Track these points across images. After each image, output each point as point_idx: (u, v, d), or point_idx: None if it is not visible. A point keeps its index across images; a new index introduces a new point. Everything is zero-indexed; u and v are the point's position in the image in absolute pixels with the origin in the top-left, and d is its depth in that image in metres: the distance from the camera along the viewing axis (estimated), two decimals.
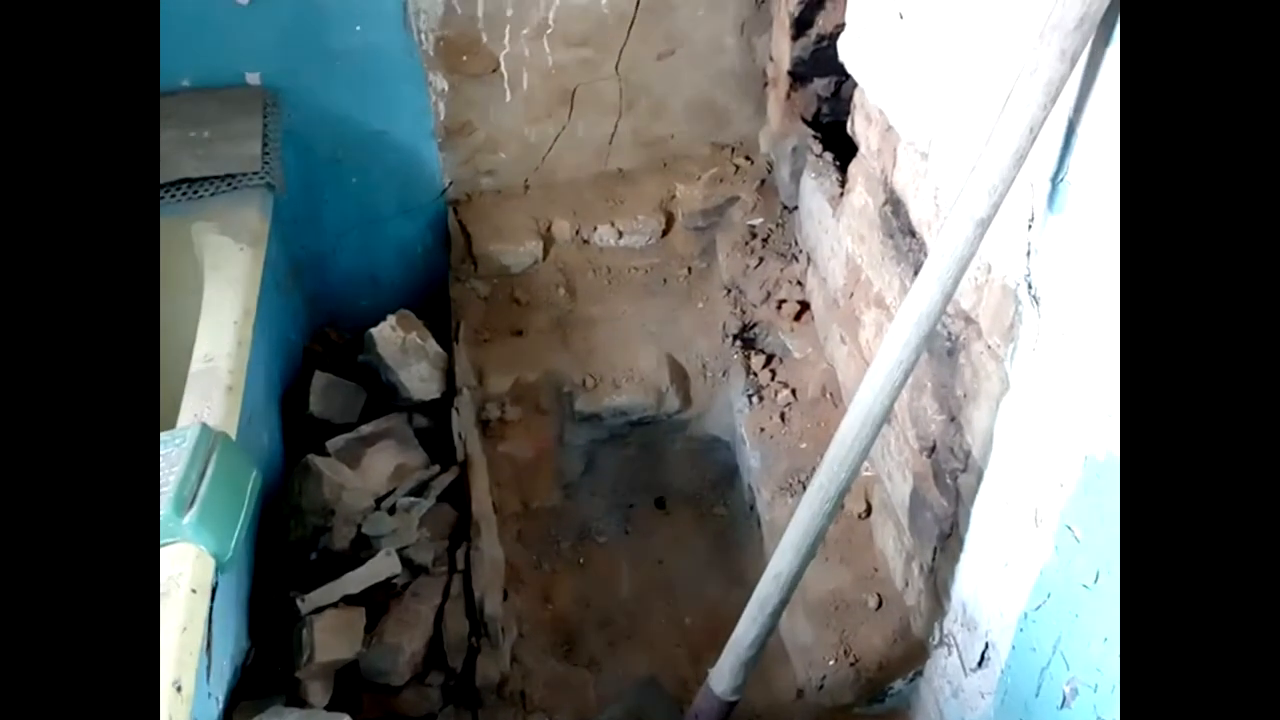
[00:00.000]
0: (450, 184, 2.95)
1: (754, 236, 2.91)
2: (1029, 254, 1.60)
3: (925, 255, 1.54)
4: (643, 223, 2.98)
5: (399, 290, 2.94)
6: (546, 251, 2.93)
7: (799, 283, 2.79)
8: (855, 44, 2.31)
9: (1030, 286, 1.60)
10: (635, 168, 3.09)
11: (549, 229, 2.95)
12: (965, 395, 1.87)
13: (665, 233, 2.99)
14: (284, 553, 2.06)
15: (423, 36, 2.65)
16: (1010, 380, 1.69)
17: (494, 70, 2.83)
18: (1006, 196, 1.47)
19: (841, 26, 2.39)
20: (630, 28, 2.86)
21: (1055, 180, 1.50)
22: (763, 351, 2.71)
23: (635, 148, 3.08)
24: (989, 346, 1.76)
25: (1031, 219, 1.58)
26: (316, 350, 2.73)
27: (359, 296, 2.89)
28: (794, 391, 2.58)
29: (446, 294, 2.85)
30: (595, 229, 2.96)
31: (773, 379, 2.61)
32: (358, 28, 2.58)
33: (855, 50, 2.32)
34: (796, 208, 2.85)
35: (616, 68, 2.92)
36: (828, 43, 2.73)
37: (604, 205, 3.01)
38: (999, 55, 1.64)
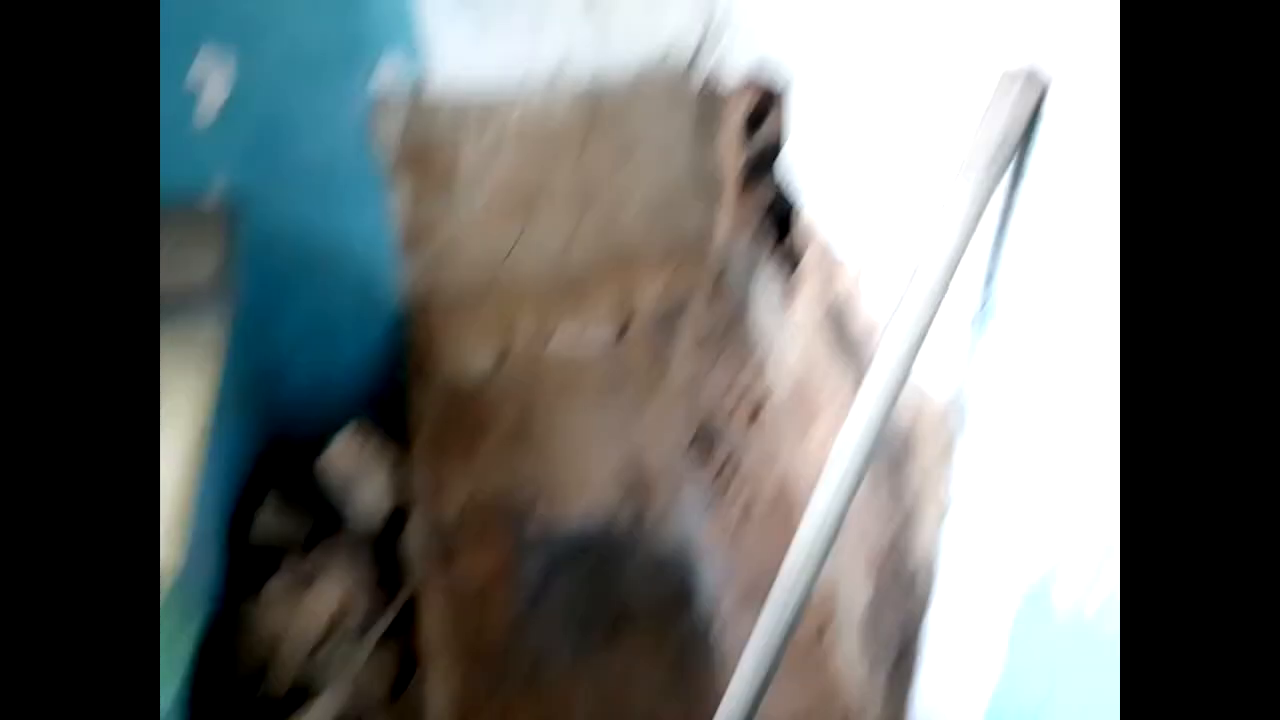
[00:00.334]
0: (409, 291, 2.97)
1: (710, 336, 2.94)
2: (961, 375, 1.62)
3: (867, 368, 1.56)
4: (601, 324, 3.00)
5: (357, 400, 2.93)
6: (505, 357, 2.95)
7: (755, 382, 2.81)
8: (794, 157, 2.37)
9: (963, 408, 1.62)
10: (593, 269, 3.13)
11: (508, 333, 2.97)
12: (911, 512, 1.87)
13: (623, 333, 3.02)
14: (222, 698, 2.00)
15: (385, 147, 2.69)
16: (950, 499, 1.70)
17: (455, 177, 2.87)
18: (934, 323, 1.49)
19: None
20: (589, 133, 2.93)
21: (982, 305, 1.53)
22: (720, 454, 2.71)
23: (593, 249, 3.12)
24: (928, 465, 1.77)
25: (962, 341, 1.60)
26: (268, 465, 2.71)
27: (316, 406, 2.88)
28: (752, 495, 2.57)
29: (404, 403, 2.84)
30: (554, 332, 2.98)
31: (729, 484, 2.61)
32: (320, 141, 2.62)
33: (794, 163, 2.38)
34: (750, 308, 2.89)
35: (575, 171, 2.98)
36: (777, 145, 2.79)
37: (562, 307, 3.04)
38: (920, 186, 1.68)
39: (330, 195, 2.73)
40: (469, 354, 2.90)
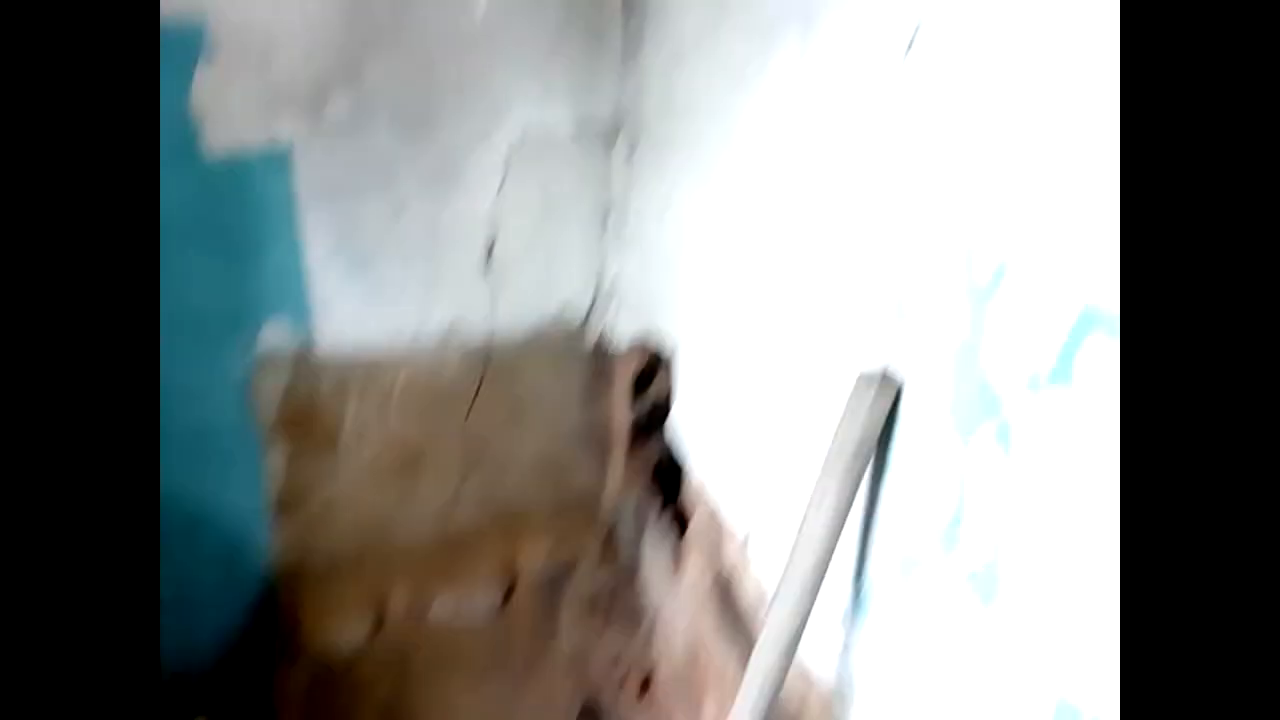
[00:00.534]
0: (280, 558, 2.81)
1: (598, 602, 2.84)
2: (842, 664, 1.57)
3: (755, 642, 1.51)
4: (483, 589, 2.88)
5: (215, 681, 2.69)
6: (380, 628, 2.78)
7: (645, 650, 2.69)
8: (682, 421, 2.40)
9: (847, 687, 1.57)
10: (477, 530, 3.04)
11: (384, 602, 2.81)
12: None
13: (507, 599, 2.89)
14: None
15: (265, 409, 2.63)
16: None
17: (337, 439, 2.80)
18: (812, 610, 1.46)
19: None
20: (476, 394, 2.92)
21: (858, 595, 1.50)
22: None
23: (478, 509, 3.04)
24: None
25: (841, 629, 1.57)
26: None
27: (174, 689, 2.62)
28: None
29: (268, 684, 2.61)
30: (433, 599, 2.84)
31: None
32: (196, 403, 2.54)
33: (682, 428, 2.40)
34: (640, 570, 2.81)
35: (461, 431, 2.94)
36: (666, 406, 2.83)
37: (443, 572, 2.91)
38: (796, 465, 1.70)
39: (201, 458, 2.61)
40: (341, 625, 2.72)
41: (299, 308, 2.59)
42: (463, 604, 2.83)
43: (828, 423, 1.56)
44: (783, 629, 1.46)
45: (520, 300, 2.89)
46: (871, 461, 1.37)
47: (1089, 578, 1.00)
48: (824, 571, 1.43)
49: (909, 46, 1.26)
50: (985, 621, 1.18)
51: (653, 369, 2.88)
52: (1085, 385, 0.98)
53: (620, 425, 2.96)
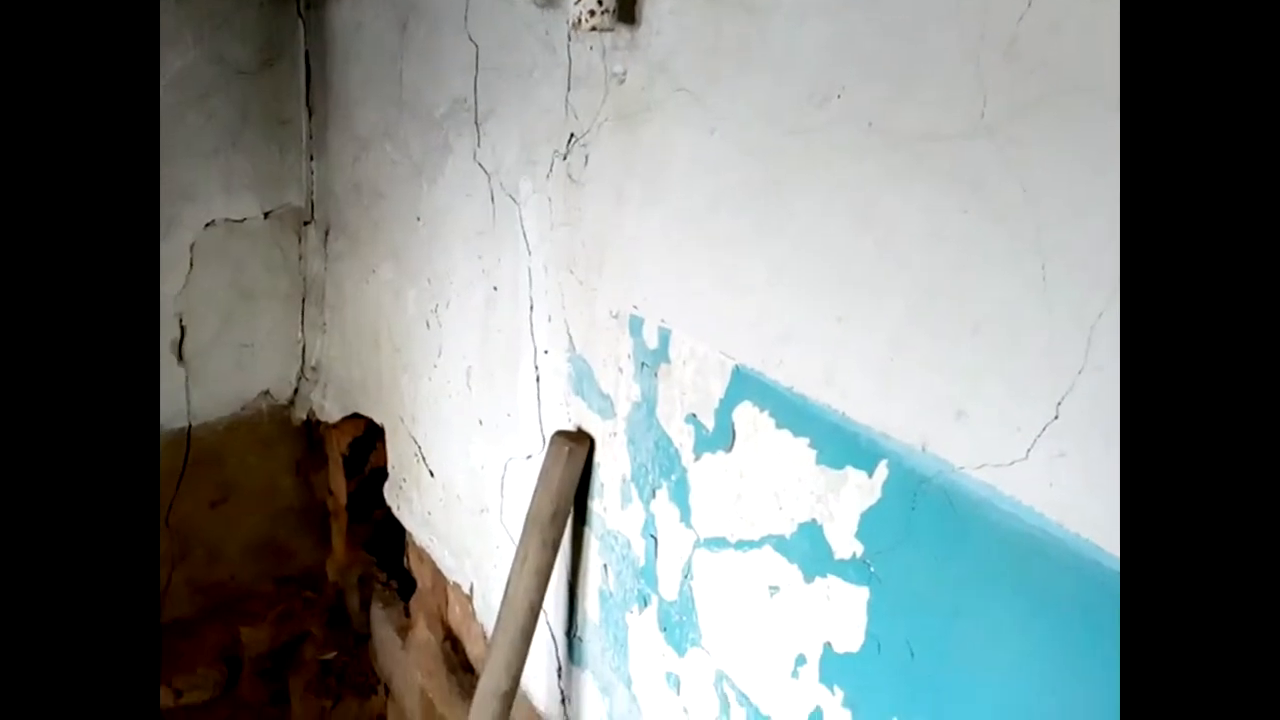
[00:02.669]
0: None
1: (329, 673, 2.69)
2: (564, 701, 1.62)
3: None
4: (203, 675, 2.63)
5: None
6: None
7: (381, 717, 2.58)
8: (396, 492, 2.36)
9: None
10: (192, 616, 2.78)
11: None
12: None
13: (231, 683, 2.66)
14: None
15: None
16: None
17: None
18: (532, 652, 1.50)
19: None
20: (179, 481, 2.69)
21: (570, 636, 1.56)
22: None
23: (191, 597, 2.79)
24: None
25: (559, 669, 1.61)
26: None
27: None
28: None
29: None
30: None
31: None
32: None
33: (397, 497, 2.36)
34: (370, 637, 2.71)
35: (166, 520, 2.70)
36: (384, 473, 2.76)
37: (161, 663, 2.62)
38: (506, 517, 1.74)
39: None
40: None
41: None
42: (185, 692, 2.58)
43: (530, 477, 1.62)
44: (497, 683, 1.48)
45: (219, 384, 2.70)
46: (572, 513, 1.45)
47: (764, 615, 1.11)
48: (531, 627, 1.47)
49: (565, 155, 1.36)
50: (675, 660, 1.28)
51: (369, 438, 2.81)
52: (743, 444, 1.11)
53: (339, 495, 2.85)
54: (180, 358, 2.60)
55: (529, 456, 1.61)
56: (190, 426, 2.67)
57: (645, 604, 1.33)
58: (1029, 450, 0.78)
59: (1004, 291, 0.79)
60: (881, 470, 0.92)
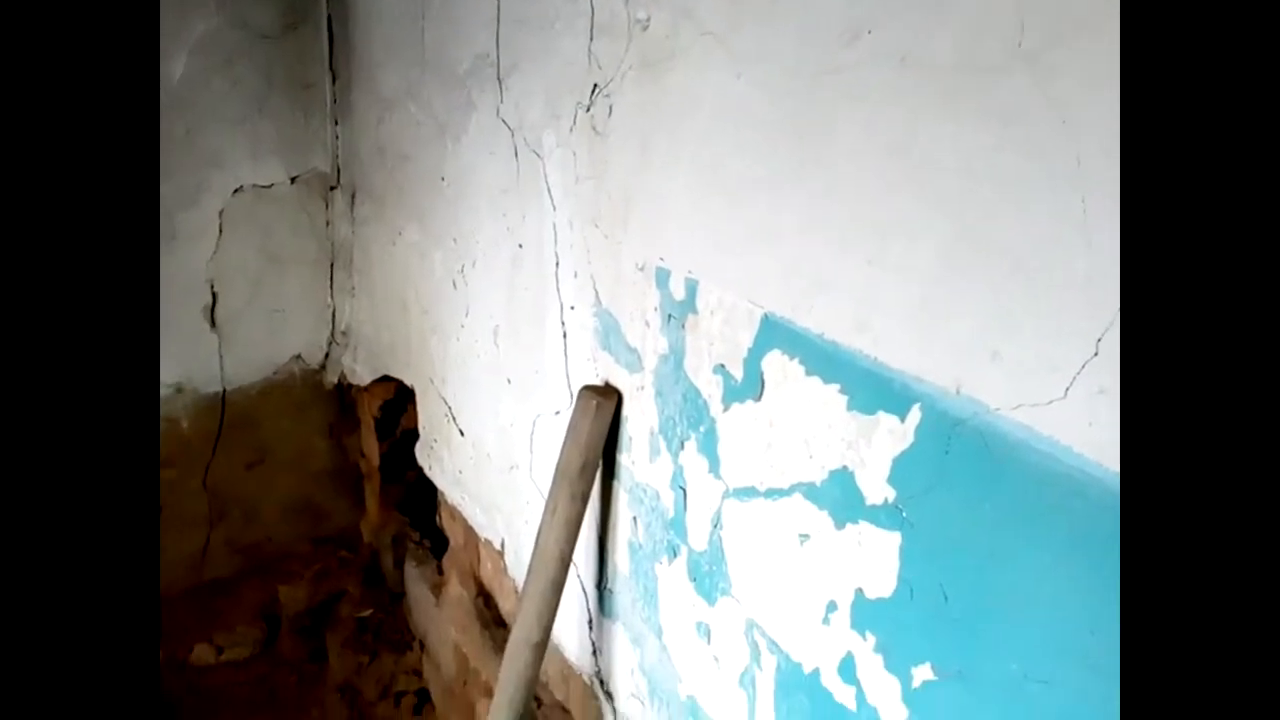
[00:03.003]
0: None
1: (365, 630, 2.73)
2: (595, 652, 1.63)
3: None
4: (244, 633, 2.68)
5: None
6: None
7: (416, 672, 2.62)
8: (427, 452, 2.37)
9: (602, 683, 1.62)
10: (232, 576, 2.83)
11: None
12: None
13: (270, 640, 2.71)
14: None
15: None
16: None
17: None
18: (563, 604, 1.50)
19: None
20: (216, 444, 2.73)
21: (601, 589, 1.56)
22: None
23: (231, 555, 2.83)
24: None
25: (590, 621, 1.62)
26: None
27: None
28: None
29: None
30: (191, 649, 2.61)
31: None
32: None
33: (428, 457, 2.37)
34: (404, 595, 2.74)
35: (204, 482, 2.74)
36: (415, 435, 2.78)
37: (200, 621, 2.68)
38: (536, 474, 1.74)
39: None
40: None
41: None
42: (226, 649, 2.63)
43: (559, 433, 1.62)
44: (529, 633, 1.48)
45: (252, 349, 2.72)
46: (601, 465, 1.44)
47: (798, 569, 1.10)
48: (562, 578, 1.47)
49: (589, 108, 1.34)
50: (705, 610, 1.27)
51: (400, 400, 2.82)
52: (772, 393, 1.09)
53: (371, 457, 2.87)
54: (213, 323, 2.62)
55: (557, 413, 1.61)
56: (225, 391, 2.69)
57: (675, 555, 1.33)
58: (1067, 389, 0.75)
59: (1042, 227, 0.76)
60: (914, 414, 0.90)
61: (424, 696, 2.56)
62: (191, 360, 2.60)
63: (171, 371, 2.57)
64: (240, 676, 2.66)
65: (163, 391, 2.57)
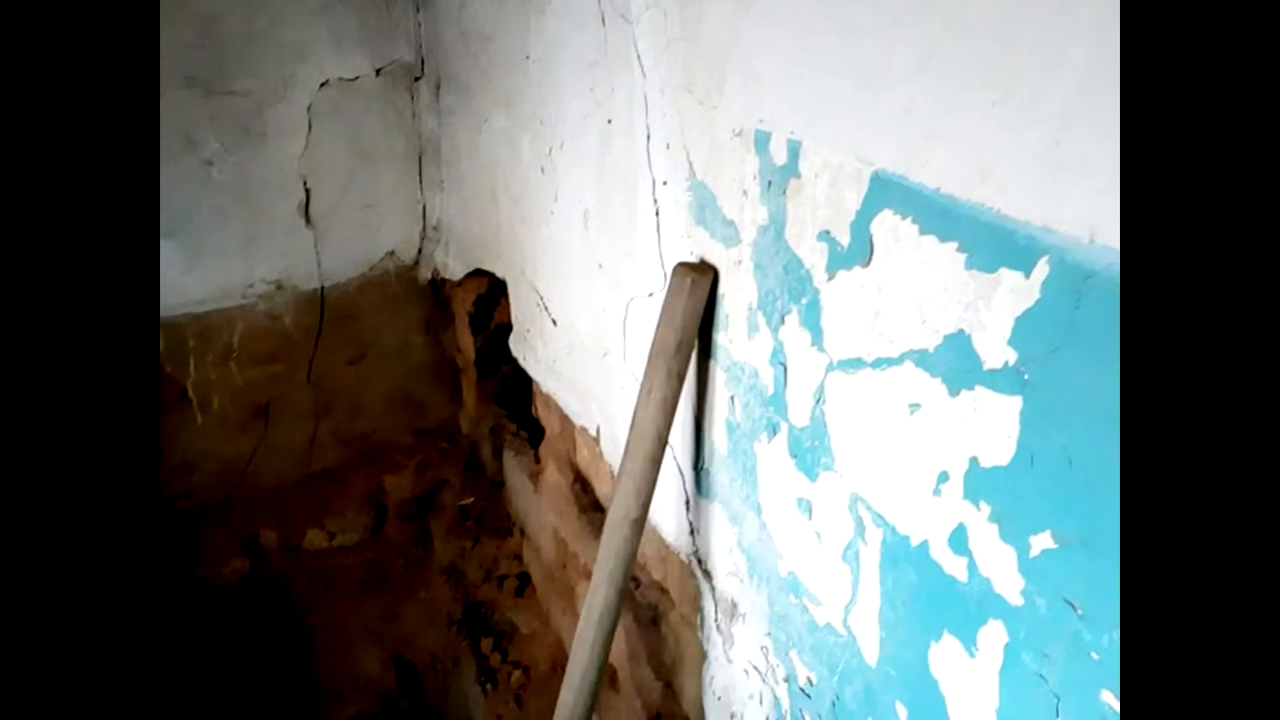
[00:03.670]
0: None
1: (467, 517, 2.83)
2: (693, 532, 1.63)
3: None
4: (352, 519, 2.82)
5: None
6: (255, 565, 2.68)
7: (517, 557, 2.71)
8: (521, 343, 2.39)
9: (700, 562, 1.63)
10: (340, 466, 2.95)
11: (255, 541, 2.71)
12: (674, 663, 1.84)
13: (378, 526, 2.84)
14: None
15: None
16: (706, 648, 1.68)
17: (182, 397, 2.65)
18: (659, 486, 1.50)
19: None
20: (318, 339, 2.81)
21: (698, 469, 1.56)
22: (491, 632, 2.56)
23: (337, 447, 2.95)
24: (682, 616, 1.75)
25: (687, 502, 1.62)
26: None
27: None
28: (527, 670, 2.44)
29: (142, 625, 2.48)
30: (304, 534, 2.76)
31: (504, 660, 2.47)
32: None
33: (522, 348, 2.39)
34: (503, 484, 2.82)
35: (309, 376, 2.83)
36: (508, 328, 2.81)
37: (311, 508, 2.83)
38: (631, 356, 1.73)
39: None
40: (220, 564, 2.62)
41: None
42: (337, 535, 2.78)
43: (652, 315, 1.59)
44: (627, 510, 1.49)
45: (347, 245, 2.77)
46: (697, 346, 1.41)
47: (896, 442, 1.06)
48: (659, 455, 1.46)
49: None
50: (807, 486, 1.25)
51: (492, 294, 2.84)
52: (882, 257, 1.03)
53: (467, 351, 2.92)
54: (308, 220, 2.66)
55: (650, 295, 1.58)
56: (323, 288, 2.76)
57: (774, 432, 1.30)
58: None
59: None
60: (1041, 268, 0.83)
61: (525, 580, 2.65)
62: (290, 257, 2.66)
63: (271, 268, 2.64)
64: (351, 560, 2.81)
65: (263, 288, 2.65)
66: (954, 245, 0.92)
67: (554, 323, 2.11)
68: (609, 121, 1.59)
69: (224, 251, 2.53)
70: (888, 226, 1.01)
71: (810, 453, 1.24)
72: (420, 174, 2.77)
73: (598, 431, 2.01)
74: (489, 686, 2.43)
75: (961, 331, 0.94)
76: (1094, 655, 0.85)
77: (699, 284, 1.35)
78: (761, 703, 1.51)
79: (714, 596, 1.60)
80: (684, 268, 1.38)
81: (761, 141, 1.19)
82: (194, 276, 2.51)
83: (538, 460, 2.53)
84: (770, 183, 1.19)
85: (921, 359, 1.00)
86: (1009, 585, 0.94)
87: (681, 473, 1.61)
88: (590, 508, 2.14)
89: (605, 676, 1.69)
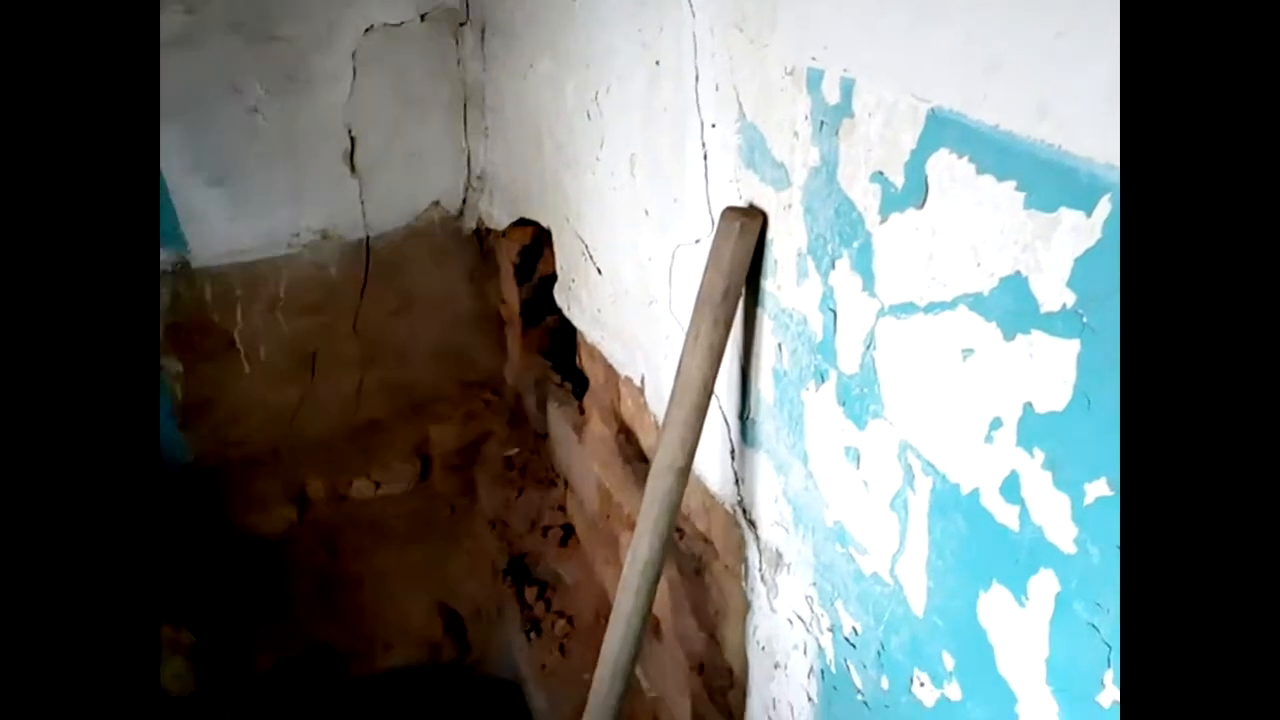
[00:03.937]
0: (196, 459, 2.75)
1: (512, 467, 2.87)
2: (738, 482, 1.64)
3: None
4: (399, 469, 2.88)
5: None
6: (303, 514, 2.76)
7: (561, 507, 2.76)
8: (565, 293, 2.40)
9: (745, 511, 1.64)
10: (386, 417, 3.01)
11: (303, 491, 2.79)
12: (717, 613, 1.86)
13: (424, 476, 2.90)
14: None
15: None
16: (750, 598, 1.70)
17: (230, 347, 2.72)
18: (704, 435, 1.51)
19: None
20: (363, 290, 2.85)
21: (743, 419, 1.56)
22: (535, 582, 2.62)
23: (383, 397, 3.01)
24: (726, 566, 1.77)
25: (732, 451, 1.63)
26: None
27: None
28: (570, 620, 2.49)
29: (189, 576, 2.58)
30: (351, 483, 2.84)
31: (548, 610, 2.52)
32: None
33: (566, 298, 2.40)
34: (548, 435, 2.85)
35: (354, 327, 2.89)
36: (553, 278, 2.83)
37: (358, 458, 2.90)
38: (675, 304, 1.73)
39: None
40: (266, 514, 2.70)
41: (167, 225, 2.46)
42: (383, 484, 2.85)
43: (699, 263, 1.59)
44: (672, 459, 1.49)
45: (392, 195, 2.79)
46: (744, 293, 1.41)
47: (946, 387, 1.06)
48: (705, 403, 1.47)
49: None
50: (855, 434, 1.25)
51: (536, 245, 2.85)
52: (937, 198, 1.02)
53: (511, 303, 2.94)
54: (353, 169, 2.69)
55: (697, 241, 1.57)
56: (369, 238, 2.79)
57: (823, 380, 1.30)
58: None
59: None
60: (1103, 207, 0.81)
61: (569, 530, 2.69)
62: (335, 206, 2.69)
63: (317, 217, 2.68)
64: (397, 509, 2.87)
65: (309, 238, 2.69)
66: (1012, 184, 0.90)
67: (599, 272, 2.11)
68: (656, 63, 1.58)
69: (270, 200, 2.57)
70: (943, 166, 0.99)
71: (859, 400, 1.23)
72: (465, 122, 2.77)
73: (642, 381, 2.02)
74: (533, 635, 2.49)
75: (1018, 273, 0.92)
76: None
77: (747, 228, 1.35)
78: (806, 653, 1.53)
79: (758, 546, 1.62)
80: (732, 212, 1.37)
81: (814, 80, 1.17)
82: (240, 225, 2.56)
83: (582, 411, 2.56)
84: (822, 123, 1.18)
85: (976, 302, 0.99)
86: (1061, 533, 0.93)
87: (727, 422, 1.61)
88: (634, 458, 2.16)
89: (649, 625, 1.72)
